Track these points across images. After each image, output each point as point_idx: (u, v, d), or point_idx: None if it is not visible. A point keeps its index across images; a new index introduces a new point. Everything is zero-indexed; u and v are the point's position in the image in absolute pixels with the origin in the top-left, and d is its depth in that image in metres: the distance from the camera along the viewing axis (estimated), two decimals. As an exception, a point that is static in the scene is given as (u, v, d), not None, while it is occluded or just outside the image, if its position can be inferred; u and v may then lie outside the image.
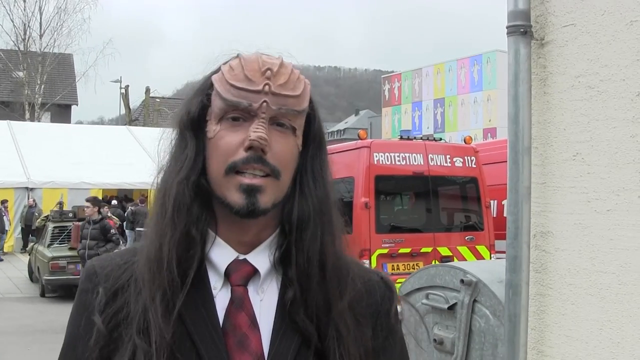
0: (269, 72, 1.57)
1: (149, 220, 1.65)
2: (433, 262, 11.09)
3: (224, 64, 1.64)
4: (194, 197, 1.57)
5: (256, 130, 1.53)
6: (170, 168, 1.63)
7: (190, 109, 1.63)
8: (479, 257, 12.23)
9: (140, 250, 1.62)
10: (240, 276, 1.60)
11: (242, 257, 1.62)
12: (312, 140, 1.67)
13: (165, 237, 1.55)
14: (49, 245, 18.63)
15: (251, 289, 1.61)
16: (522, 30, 3.88)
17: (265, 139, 1.53)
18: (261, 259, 1.62)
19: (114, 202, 31.42)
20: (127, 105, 52.10)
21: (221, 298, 1.59)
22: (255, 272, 1.61)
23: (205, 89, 1.64)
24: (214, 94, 1.61)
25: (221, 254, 1.61)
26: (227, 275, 1.60)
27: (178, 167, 1.59)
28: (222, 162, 1.56)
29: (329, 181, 1.68)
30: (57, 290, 18.21)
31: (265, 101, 1.55)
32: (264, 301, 1.60)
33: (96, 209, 15.45)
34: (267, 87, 1.55)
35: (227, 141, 1.56)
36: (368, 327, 1.66)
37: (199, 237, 1.57)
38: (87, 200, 15.82)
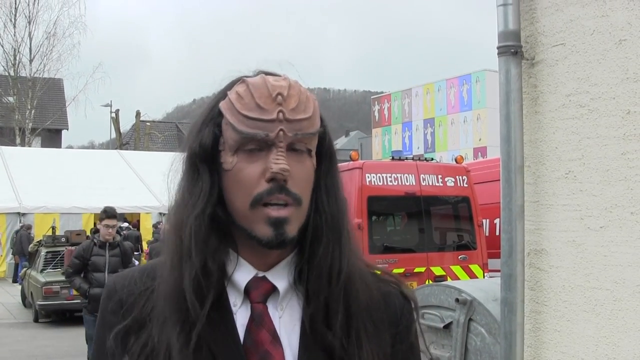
0: (279, 97, 1.54)
1: (164, 251, 1.63)
2: (427, 282, 11.10)
3: (229, 89, 1.60)
4: (211, 229, 1.56)
5: (277, 162, 1.51)
6: (184, 201, 1.60)
7: (202, 141, 1.59)
8: (472, 276, 12.23)
9: (158, 278, 1.61)
10: (260, 293, 1.60)
11: (261, 274, 1.61)
12: (324, 157, 1.65)
13: (183, 272, 1.54)
14: (42, 271, 18.54)
15: (270, 306, 1.61)
16: (512, 50, 3.92)
17: (288, 169, 1.52)
18: (280, 276, 1.62)
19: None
20: (117, 130, 52.06)
21: (241, 315, 1.59)
22: (274, 289, 1.61)
23: (214, 117, 1.60)
24: (225, 123, 1.57)
25: (241, 272, 1.60)
26: (247, 292, 1.60)
27: (193, 201, 1.57)
28: (247, 196, 1.54)
29: (340, 195, 1.67)
30: (51, 316, 18.15)
31: (281, 129, 1.53)
32: (284, 318, 1.61)
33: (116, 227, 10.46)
34: (280, 114, 1.53)
35: (247, 173, 1.54)
36: (385, 333, 1.65)
37: (216, 267, 1.55)
38: (112, 216, 10.13)
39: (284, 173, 1.51)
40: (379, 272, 1.78)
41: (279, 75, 1.61)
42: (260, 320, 1.58)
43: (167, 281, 1.57)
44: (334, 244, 1.61)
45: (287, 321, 1.61)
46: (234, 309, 1.59)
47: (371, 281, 1.69)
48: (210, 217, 1.56)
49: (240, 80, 1.61)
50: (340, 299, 1.59)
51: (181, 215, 1.58)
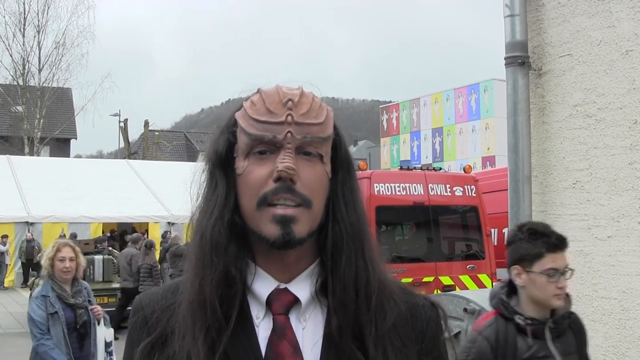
0: (290, 102, 1.58)
1: (187, 262, 1.65)
2: (435, 292, 11.09)
3: (245, 100, 1.64)
4: (230, 235, 1.58)
5: (283, 161, 1.53)
6: (203, 208, 1.64)
7: (218, 148, 1.64)
8: (480, 285, 12.21)
9: (181, 292, 1.64)
10: (281, 305, 1.60)
11: (282, 286, 1.61)
12: (340, 166, 1.67)
13: (206, 279, 1.57)
14: (50, 280, 18.53)
15: (293, 318, 1.61)
16: (520, 61, 3.94)
17: (293, 168, 1.53)
18: (302, 287, 1.62)
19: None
20: (126, 139, 52.07)
21: (263, 327, 1.60)
22: (296, 300, 1.61)
23: (230, 126, 1.64)
24: (239, 130, 1.62)
25: (262, 284, 1.62)
26: (269, 304, 1.61)
27: (211, 207, 1.60)
28: (254, 196, 1.56)
29: (360, 206, 1.67)
30: (59, 325, 18.11)
31: (289, 131, 1.56)
32: (307, 329, 1.61)
33: None
34: (289, 117, 1.56)
35: (255, 175, 1.57)
36: (413, 349, 1.64)
37: (239, 274, 1.58)
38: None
39: (288, 171, 1.52)
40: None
41: (295, 87, 1.65)
42: (281, 332, 1.59)
43: (190, 289, 1.60)
44: (357, 254, 1.61)
45: (310, 333, 1.61)
46: (256, 321, 1.61)
47: (397, 293, 1.68)
48: (229, 223, 1.59)
49: (256, 90, 1.65)
50: (368, 311, 1.59)
51: (201, 223, 1.62)
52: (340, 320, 1.58)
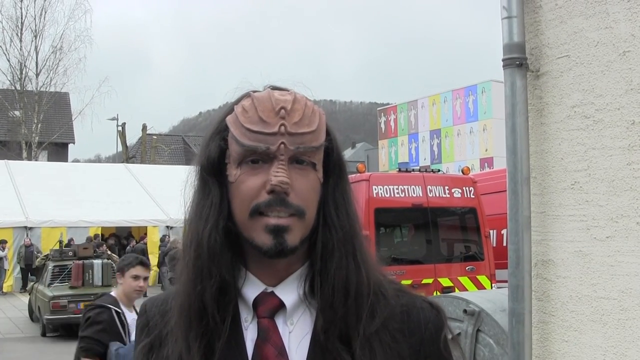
0: (282, 111, 1.55)
1: (180, 268, 1.65)
2: (434, 293, 11.11)
3: (236, 104, 1.63)
4: (224, 243, 1.58)
5: (277, 175, 1.52)
6: (197, 215, 1.62)
7: (210, 154, 1.63)
8: (480, 287, 12.23)
9: (174, 299, 1.65)
10: (266, 308, 1.60)
11: (269, 289, 1.61)
12: (332, 171, 1.66)
13: (204, 287, 1.57)
14: (49, 285, 18.54)
15: (280, 321, 1.61)
16: (518, 62, 3.94)
17: (287, 182, 1.52)
18: (289, 291, 1.61)
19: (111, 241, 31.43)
20: (124, 143, 52.07)
21: (251, 330, 1.61)
22: (282, 304, 1.61)
23: (221, 131, 1.63)
24: (231, 137, 1.59)
25: (250, 288, 1.62)
26: (255, 307, 1.61)
27: (205, 214, 1.59)
28: (246, 206, 1.55)
29: (352, 209, 1.66)
30: (58, 330, 18.11)
31: (282, 143, 1.54)
32: (294, 333, 1.60)
33: None
34: (282, 127, 1.54)
35: (248, 185, 1.56)
36: (404, 345, 1.62)
37: (233, 280, 1.58)
38: None
39: (282, 186, 1.51)
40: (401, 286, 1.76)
41: (287, 90, 1.63)
42: (265, 336, 1.59)
43: (184, 295, 1.60)
44: (348, 257, 1.60)
45: (297, 336, 1.61)
46: (245, 324, 1.61)
47: (390, 294, 1.67)
48: (224, 231, 1.58)
49: (247, 94, 1.63)
50: (357, 313, 1.58)
51: (196, 229, 1.61)
52: (326, 321, 1.57)
